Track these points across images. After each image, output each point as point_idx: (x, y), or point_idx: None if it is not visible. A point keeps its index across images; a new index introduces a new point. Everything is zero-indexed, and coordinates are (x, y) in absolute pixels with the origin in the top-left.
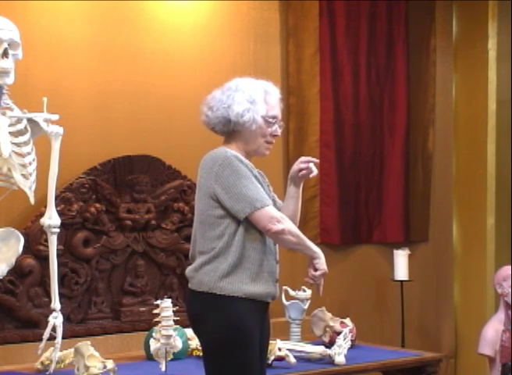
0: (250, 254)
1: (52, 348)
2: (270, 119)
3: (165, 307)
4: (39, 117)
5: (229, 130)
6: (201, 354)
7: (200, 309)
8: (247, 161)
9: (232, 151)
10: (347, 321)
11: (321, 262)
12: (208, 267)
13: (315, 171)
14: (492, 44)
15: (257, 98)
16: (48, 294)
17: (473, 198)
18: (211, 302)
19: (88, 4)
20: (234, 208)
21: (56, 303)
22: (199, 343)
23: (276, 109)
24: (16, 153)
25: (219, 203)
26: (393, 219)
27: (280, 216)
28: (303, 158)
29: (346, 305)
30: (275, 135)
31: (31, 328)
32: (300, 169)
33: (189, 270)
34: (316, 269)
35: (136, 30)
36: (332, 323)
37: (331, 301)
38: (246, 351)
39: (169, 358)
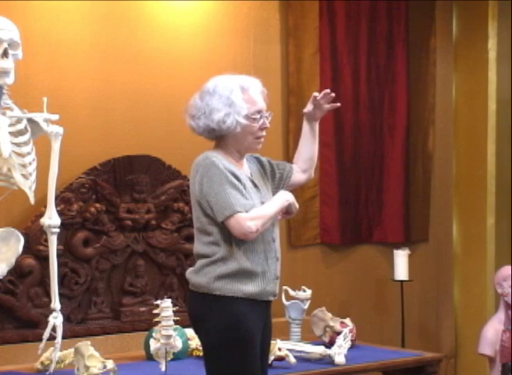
0: (250, 255)
1: (52, 348)
2: (254, 116)
3: (165, 307)
4: (39, 117)
5: (216, 136)
6: (201, 354)
7: (201, 310)
8: (225, 165)
9: (212, 157)
10: (347, 321)
11: (294, 206)
12: (208, 269)
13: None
14: (492, 44)
15: (235, 99)
16: (48, 294)
17: (473, 198)
18: (211, 303)
19: (88, 4)
20: (213, 216)
21: (56, 303)
22: (199, 343)
23: (259, 103)
24: (16, 153)
25: (203, 210)
26: (393, 219)
27: (249, 218)
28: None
29: (346, 305)
30: (264, 128)
31: (31, 328)
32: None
33: (189, 272)
34: (289, 213)
35: (136, 30)
36: (332, 323)
37: (331, 301)
38: (246, 351)
39: (169, 358)
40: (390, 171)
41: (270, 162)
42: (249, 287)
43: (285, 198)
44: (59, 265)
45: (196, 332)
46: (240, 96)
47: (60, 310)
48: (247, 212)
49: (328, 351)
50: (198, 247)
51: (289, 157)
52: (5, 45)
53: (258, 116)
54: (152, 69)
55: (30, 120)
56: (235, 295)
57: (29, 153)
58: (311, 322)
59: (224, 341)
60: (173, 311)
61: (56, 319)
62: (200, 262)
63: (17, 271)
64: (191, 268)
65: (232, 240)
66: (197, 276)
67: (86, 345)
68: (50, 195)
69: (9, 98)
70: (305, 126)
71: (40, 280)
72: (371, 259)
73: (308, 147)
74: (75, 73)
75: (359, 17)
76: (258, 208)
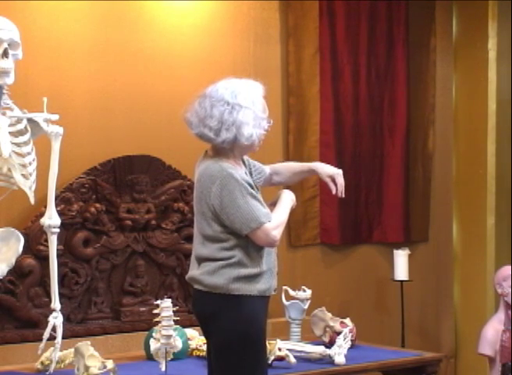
0: (265, 258)
1: (52, 348)
2: (268, 125)
3: (165, 307)
4: (39, 117)
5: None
6: (202, 354)
7: (215, 309)
8: (241, 176)
9: (228, 168)
10: (347, 321)
11: (295, 204)
12: (224, 271)
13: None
14: (492, 44)
15: (260, 113)
16: (48, 294)
17: (473, 198)
18: (228, 302)
19: (88, 4)
20: (233, 228)
21: (56, 303)
22: (199, 343)
23: (267, 110)
24: (16, 153)
25: (220, 221)
26: (393, 219)
27: (273, 228)
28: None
29: (346, 305)
30: (266, 130)
31: (31, 328)
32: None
33: (199, 274)
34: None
35: (136, 30)
36: (332, 323)
37: (331, 301)
38: (259, 346)
39: (169, 358)
40: (390, 171)
41: (248, 162)
42: (261, 285)
43: (291, 198)
44: (59, 265)
45: (206, 330)
46: (261, 108)
47: (60, 310)
48: (269, 220)
49: (328, 351)
50: (205, 251)
51: (288, 157)
52: (5, 45)
53: (268, 122)
54: (152, 70)
55: (30, 120)
56: (251, 294)
57: (29, 153)
58: (311, 322)
59: (240, 336)
60: (173, 311)
61: (56, 319)
62: (213, 265)
63: (17, 271)
64: (198, 270)
65: (248, 244)
66: (212, 277)
67: (86, 345)
68: (50, 195)
69: (9, 98)
70: (307, 171)
71: (40, 280)
72: (371, 259)
73: (294, 179)
74: (75, 73)
75: (359, 17)
76: (276, 215)
